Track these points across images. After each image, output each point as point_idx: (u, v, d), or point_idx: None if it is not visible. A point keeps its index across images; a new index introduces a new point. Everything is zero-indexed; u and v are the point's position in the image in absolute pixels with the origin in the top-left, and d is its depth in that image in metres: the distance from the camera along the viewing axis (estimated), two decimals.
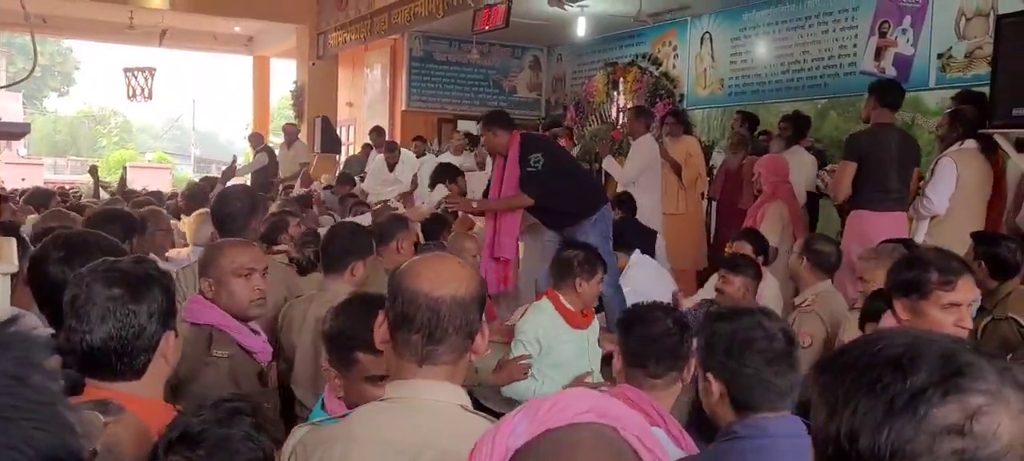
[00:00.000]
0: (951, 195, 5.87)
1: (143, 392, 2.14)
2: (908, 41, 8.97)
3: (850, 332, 4.34)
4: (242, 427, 1.78)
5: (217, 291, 3.16)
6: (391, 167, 11.75)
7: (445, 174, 8.25)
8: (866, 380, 1.09)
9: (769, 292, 5.70)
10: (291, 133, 14.27)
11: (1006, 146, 5.98)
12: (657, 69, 12.46)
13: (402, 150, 12.11)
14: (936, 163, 6.02)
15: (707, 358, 2.40)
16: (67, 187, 16.87)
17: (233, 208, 4.41)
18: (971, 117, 6.04)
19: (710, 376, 2.37)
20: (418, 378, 1.94)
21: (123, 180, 12.15)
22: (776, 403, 2.30)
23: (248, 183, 14.24)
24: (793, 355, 2.34)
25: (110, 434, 1.68)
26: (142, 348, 2.13)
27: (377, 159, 12.31)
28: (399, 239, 4.94)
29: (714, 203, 9.74)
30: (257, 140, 15.06)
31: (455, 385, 1.97)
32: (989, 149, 6.05)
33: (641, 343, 2.82)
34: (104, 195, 11.82)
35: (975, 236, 4.99)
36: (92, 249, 2.67)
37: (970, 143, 5.95)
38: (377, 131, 13.49)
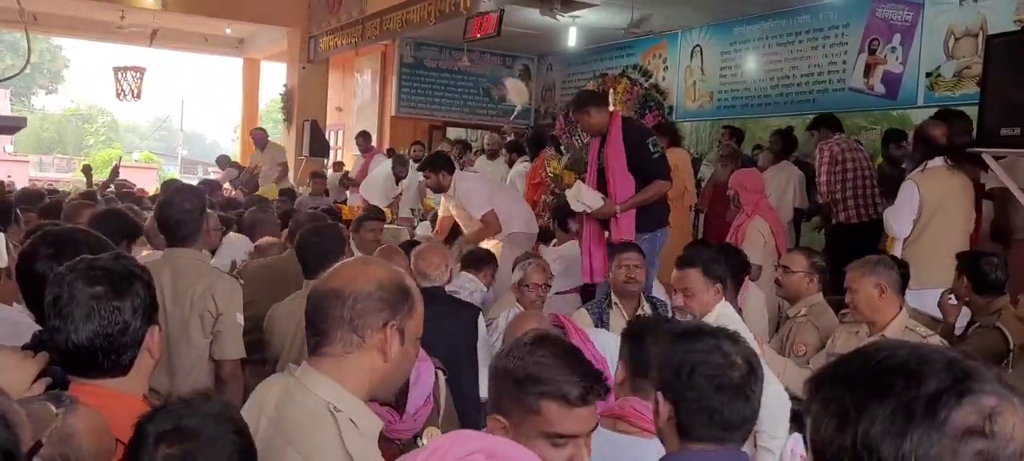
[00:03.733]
0: (915, 217, 5.92)
1: (128, 387, 2.14)
2: (897, 59, 9.02)
3: (840, 341, 4.42)
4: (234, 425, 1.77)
5: None
6: (399, 180, 11.71)
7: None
8: (878, 389, 1.10)
9: (753, 303, 5.73)
10: (259, 137, 14.21)
11: (994, 166, 6.01)
12: (647, 81, 12.49)
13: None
14: (901, 187, 6.09)
15: (658, 376, 2.24)
16: (55, 185, 16.75)
17: (181, 213, 4.00)
18: (935, 136, 6.07)
19: (658, 396, 2.19)
20: (309, 366, 1.99)
21: (115, 172, 12.02)
22: (721, 435, 2.12)
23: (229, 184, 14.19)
24: (751, 386, 2.14)
25: (65, 426, 1.67)
26: (128, 344, 2.13)
27: (382, 167, 12.20)
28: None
29: (702, 215, 9.77)
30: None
31: (337, 384, 1.95)
32: (964, 165, 6.10)
33: (652, 355, 2.81)
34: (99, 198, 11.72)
35: (961, 255, 5.07)
36: (81, 247, 2.65)
37: (936, 162, 5.98)
38: (364, 136, 13.46)
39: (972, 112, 6.28)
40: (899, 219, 5.97)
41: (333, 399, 1.93)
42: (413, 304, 2.02)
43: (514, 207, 7.73)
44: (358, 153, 13.77)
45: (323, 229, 4.57)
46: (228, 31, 18.97)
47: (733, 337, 2.22)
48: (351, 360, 1.96)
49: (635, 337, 2.92)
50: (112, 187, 10.90)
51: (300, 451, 1.89)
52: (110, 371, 2.12)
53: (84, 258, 2.22)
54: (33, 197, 7.31)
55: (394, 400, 2.66)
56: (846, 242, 7.36)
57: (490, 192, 7.67)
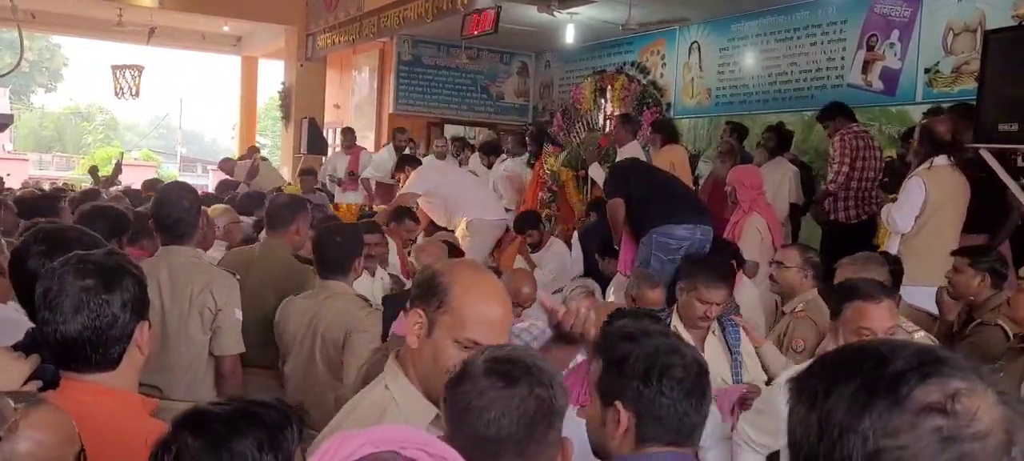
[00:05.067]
0: (918, 215, 5.92)
1: (119, 383, 2.14)
2: (896, 55, 9.00)
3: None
4: (248, 438, 1.68)
5: None
6: (399, 150, 11.81)
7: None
8: (846, 371, 1.11)
9: (747, 299, 5.74)
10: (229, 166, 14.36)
11: (992, 162, 6.00)
12: (645, 77, 12.47)
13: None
14: (906, 182, 6.07)
15: (615, 384, 2.05)
16: (56, 183, 16.75)
17: (180, 211, 4.02)
18: (942, 133, 6.06)
19: (619, 405, 2.01)
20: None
21: (118, 168, 12.07)
22: (684, 441, 2.02)
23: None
24: (706, 385, 2.05)
25: (27, 424, 1.64)
26: (116, 338, 2.13)
27: (383, 151, 12.51)
28: (298, 222, 4.79)
29: None
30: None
31: (398, 368, 2.09)
32: (965, 164, 6.09)
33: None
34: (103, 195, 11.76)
35: (970, 252, 5.04)
36: (73, 244, 2.64)
37: (941, 160, 5.97)
38: (349, 132, 13.47)
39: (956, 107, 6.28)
40: (902, 214, 5.95)
41: (389, 380, 2.08)
42: (448, 302, 2.00)
43: (470, 195, 7.80)
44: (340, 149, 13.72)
45: (342, 229, 4.56)
46: (226, 29, 18.97)
47: (677, 335, 2.17)
48: (403, 357, 2.11)
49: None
50: (117, 183, 10.88)
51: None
52: (99, 365, 2.12)
53: (76, 253, 2.22)
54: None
55: None
56: (843, 240, 7.36)
57: (438, 180, 7.77)
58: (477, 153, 12.23)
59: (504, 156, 11.79)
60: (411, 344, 2.03)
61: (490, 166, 11.72)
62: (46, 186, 12.99)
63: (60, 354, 2.11)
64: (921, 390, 1.04)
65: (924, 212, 5.90)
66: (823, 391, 1.11)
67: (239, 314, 3.95)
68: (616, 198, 6.54)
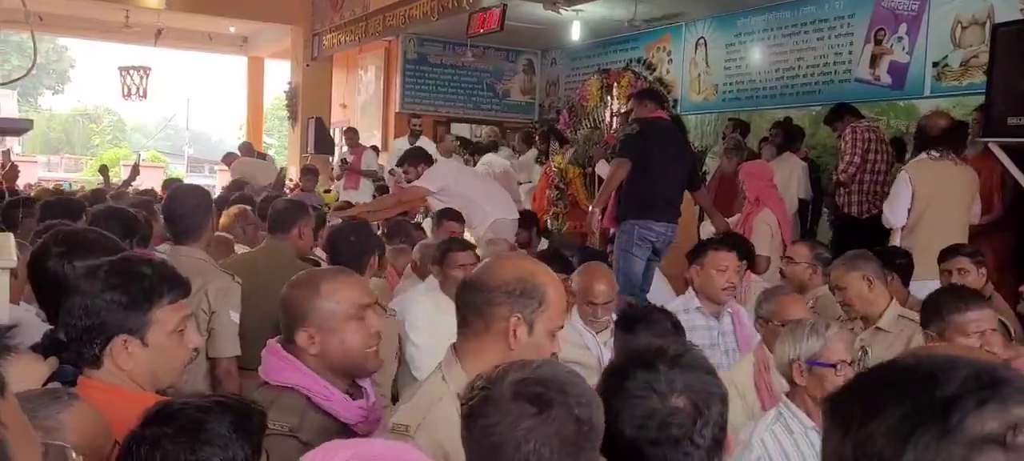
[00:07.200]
0: (909, 208, 5.94)
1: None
2: (904, 49, 8.99)
3: None
4: (222, 421, 1.72)
5: (320, 340, 2.36)
6: (416, 136, 11.83)
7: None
8: (891, 392, 0.97)
9: (757, 294, 5.73)
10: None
11: (1001, 156, 6.00)
12: (651, 74, 12.46)
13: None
14: (895, 177, 6.11)
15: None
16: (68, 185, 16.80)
17: (184, 208, 4.07)
18: (928, 127, 6.07)
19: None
20: None
21: (135, 171, 12.07)
22: None
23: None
24: (693, 437, 1.71)
25: (53, 420, 1.67)
26: None
27: (398, 141, 12.62)
28: (300, 225, 4.70)
29: None
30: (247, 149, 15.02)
31: (453, 368, 2.18)
32: (961, 156, 6.10)
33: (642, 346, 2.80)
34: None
35: (964, 251, 5.04)
36: (92, 246, 2.67)
37: (931, 152, 5.98)
38: (352, 132, 13.47)
39: (979, 102, 6.26)
40: (893, 209, 5.99)
41: (446, 371, 2.18)
42: (546, 301, 2.16)
43: (491, 195, 7.76)
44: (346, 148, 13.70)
45: (356, 227, 4.56)
46: (232, 29, 19.02)
47: (676, 360, 1.79)
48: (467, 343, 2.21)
49: (627, 326, 2.94)
50: (132, 188, 10.85)
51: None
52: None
53: (102, 260, 2.25)
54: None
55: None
56: (853, 234, 7.35)
57: (456, 178, 7.71)
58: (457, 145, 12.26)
59: (506, 153, 11.79)
60: (512, 346, 2.10)
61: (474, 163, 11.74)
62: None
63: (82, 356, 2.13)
64: (977, 418, 0.90)
65: (915, 206, 5.89)
66: (861, 415, 0.97)
67: (235, 317, 3.92)
68: (624, 158, 6.73)
